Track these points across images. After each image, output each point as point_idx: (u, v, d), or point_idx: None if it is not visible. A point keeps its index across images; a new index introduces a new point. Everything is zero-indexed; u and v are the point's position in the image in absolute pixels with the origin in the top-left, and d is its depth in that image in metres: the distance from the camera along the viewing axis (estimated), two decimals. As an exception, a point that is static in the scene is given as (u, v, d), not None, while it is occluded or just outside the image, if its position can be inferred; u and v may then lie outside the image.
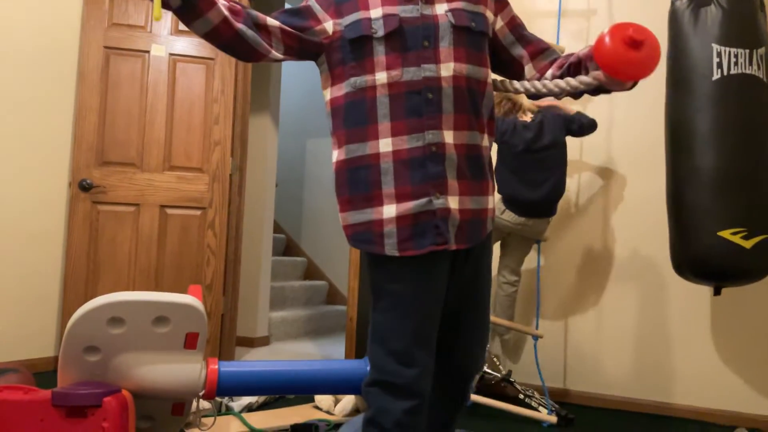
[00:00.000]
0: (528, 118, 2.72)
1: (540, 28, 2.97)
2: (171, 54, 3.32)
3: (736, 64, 2.08)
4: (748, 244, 2.03)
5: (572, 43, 2.92)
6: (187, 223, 3.28)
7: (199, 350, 1.86)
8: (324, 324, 4.67)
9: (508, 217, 2.65)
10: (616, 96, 2.81)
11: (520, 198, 2.64)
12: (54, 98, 3.17)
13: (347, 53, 1.30)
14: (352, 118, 1.29)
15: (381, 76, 1.26)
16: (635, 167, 2.83)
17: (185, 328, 1.80)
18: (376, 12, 1.29)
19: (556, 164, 2.66)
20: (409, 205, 1.26)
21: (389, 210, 1.26)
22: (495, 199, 1.40)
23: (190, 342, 1.83)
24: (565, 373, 2.86)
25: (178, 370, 1.79)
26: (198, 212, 3.29)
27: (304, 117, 5.46)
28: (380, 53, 1.27)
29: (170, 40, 3.32)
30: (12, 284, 2.99)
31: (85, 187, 3.14)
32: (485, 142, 1.34)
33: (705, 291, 2.62)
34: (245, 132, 3.56)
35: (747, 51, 2.09)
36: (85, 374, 1.72)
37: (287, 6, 1.94)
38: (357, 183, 1.29)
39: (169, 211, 3.26)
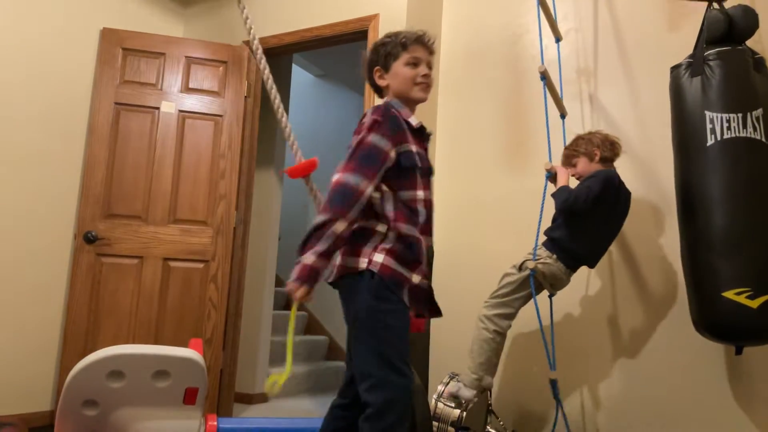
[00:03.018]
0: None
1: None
2: (180, 111, 3.40)
3: (729, 128, 2.13)
4: (754, 303, 2.04)
5: (573, 104, 3.01)
6: (189, 275, 3.29)
7: (198, 406, 1.84)
8: (324, 380, 4.59)
9: (560, 266, 2.49)
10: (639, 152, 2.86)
11: (582, 259, 2.52)
12: (64, 151, 3.24)
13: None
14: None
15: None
16: (647, 225, 2.83)
17: (185, 383, 1.79)
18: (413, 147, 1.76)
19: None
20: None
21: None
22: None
23: (190, 397, 1.81)
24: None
25: (177, 426, 1.77)
26: (201, 265, 3.30)
27: (308, 172, 5.53)
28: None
29: (180, 97, 3.41)
30: (10, 335, 2.97)
31: (89, 239, 3.17)
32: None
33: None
34: (250, 186, 3.61)
35: (740, 115, 2.13)
36: (83, 429, 1.70)
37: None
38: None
39: (172, 263, 3.27)
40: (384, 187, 1.71)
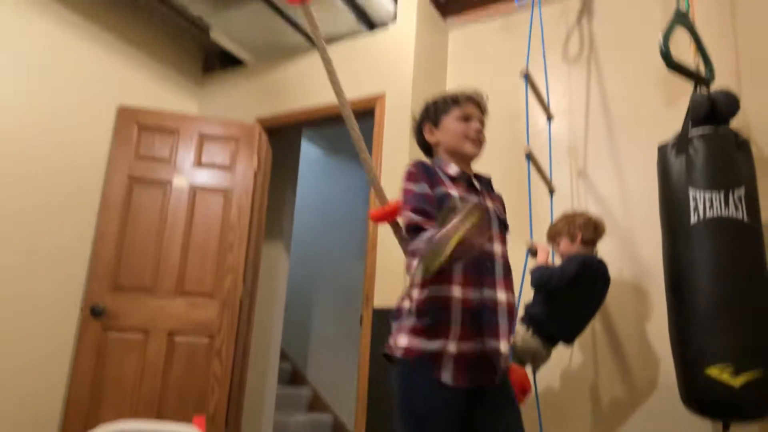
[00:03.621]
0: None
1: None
2: (192, 185, 3.48)
3: (711, 207, 2.16)
4: (736, 382, 2.03)
5: (565, 180, 3.07)
6: (194, 349, 3.26)
7: (200, 485, 1.78)
8: (328, 460, 4.44)
9: (537, 341, 2.49)
10: (631, 230, 2.89)
11: (557, 336, 2.51)
12: (75, 223, 3.28)
13: None
14: None
15: None
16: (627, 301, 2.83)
17: (187, 461, 1.75)
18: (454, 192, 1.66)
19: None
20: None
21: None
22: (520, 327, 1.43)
23: (191, 476, 1.76)
24: None
25: (177, 507, 1.71)
26: (206, 339, 3.28)
27: (314, 243, 5.57)
28: None
29: (192, 172, 3.49)
30: (11, 406, 2.91)
31: (96, 312, 3.16)
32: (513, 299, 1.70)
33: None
34: (258, 258, 3.63)
35: (722, 192, 2.16)
36: None
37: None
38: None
39: (177, 338, 3.25)
40: None
